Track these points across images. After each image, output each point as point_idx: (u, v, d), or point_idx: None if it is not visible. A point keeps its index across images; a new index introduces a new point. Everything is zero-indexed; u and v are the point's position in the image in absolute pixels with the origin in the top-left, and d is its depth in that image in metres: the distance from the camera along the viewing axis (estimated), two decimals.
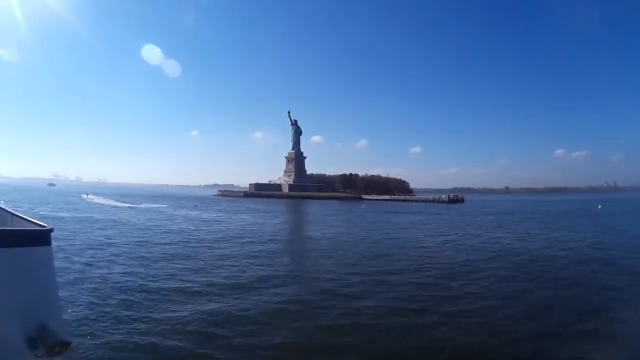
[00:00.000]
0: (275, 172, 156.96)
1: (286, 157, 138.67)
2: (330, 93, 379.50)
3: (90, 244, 18.45)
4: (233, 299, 10.07)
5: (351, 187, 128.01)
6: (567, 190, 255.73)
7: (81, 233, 22.30)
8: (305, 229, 32.56)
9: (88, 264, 13.66)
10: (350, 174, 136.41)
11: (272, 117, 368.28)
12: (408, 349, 7.30)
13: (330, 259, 16.48)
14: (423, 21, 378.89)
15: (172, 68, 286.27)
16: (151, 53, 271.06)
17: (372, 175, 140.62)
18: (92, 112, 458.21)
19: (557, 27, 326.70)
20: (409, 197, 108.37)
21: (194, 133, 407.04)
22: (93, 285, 10.76)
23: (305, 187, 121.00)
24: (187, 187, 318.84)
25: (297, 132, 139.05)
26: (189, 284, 11.34)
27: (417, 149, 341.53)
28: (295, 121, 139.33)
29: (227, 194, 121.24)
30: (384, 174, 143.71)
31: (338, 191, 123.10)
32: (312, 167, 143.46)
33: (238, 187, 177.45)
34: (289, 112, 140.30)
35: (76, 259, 14.49)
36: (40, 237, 2.64)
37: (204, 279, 12.04)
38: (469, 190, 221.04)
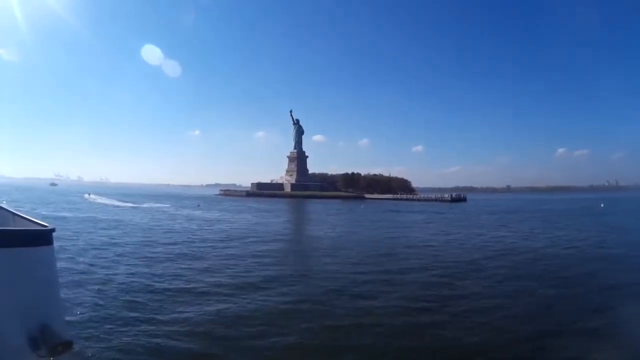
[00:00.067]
0: (277, 171, 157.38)
1: (288, 157, 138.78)
2: (331, 92, 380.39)
3: (93, 244, 18.40)
4: (240, 299, 10.00)
5: (353, 186, 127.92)
6: (569, 189, 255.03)
7: (84, 233, 22.25)
8: (308, 228, 32.47)
9: (92, 264, 13.60)
10: (353, 173, 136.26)
11: (273, 117, 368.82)
12: (413, 349, 7.27)
13: (334, 258, 16.42)
14: (423, 21, 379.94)
15: (172, 68, 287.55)
16: (151, 53, 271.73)
17: (374, 174, 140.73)
18: (93, 112, 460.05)
19: (557, 27, 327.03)
20: (411, 196, 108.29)
21: (196, 132, 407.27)
22: (98, 286, 10.68)
23: (308, 186, 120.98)
24: (189, 186, 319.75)
25: (299, 132, 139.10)
26: (194, 284, 11.27)
27: (419, 148, 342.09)
28: (297, 120, 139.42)
29: (229, 193, 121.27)
30: (385, 173, 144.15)
31: (340, 190, 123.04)
32: (313, 167, 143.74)
33: (240, 186, 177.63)
34: (291, 112, 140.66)
35: (80, 259, 14.44)
36: (42, 237, 2.62)
37: (210, 279, 11.97)
38: (471, 189, 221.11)
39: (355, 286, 11.62)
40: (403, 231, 28.60)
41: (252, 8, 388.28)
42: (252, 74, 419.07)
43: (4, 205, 4.55)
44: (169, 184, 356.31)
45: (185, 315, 8.59)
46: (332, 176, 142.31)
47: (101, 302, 9.26)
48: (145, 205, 56.78)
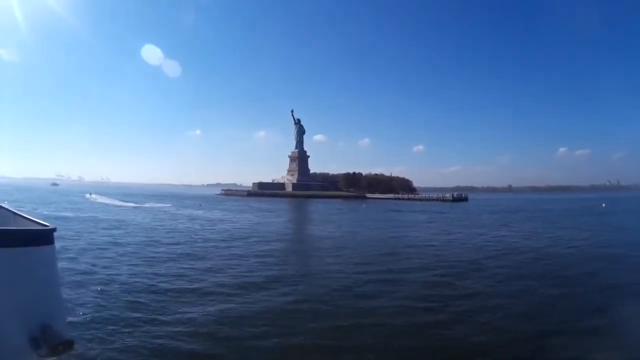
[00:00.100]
0: (278, 171, 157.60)
1: (289, 156, 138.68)
2: (331, 92, 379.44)
3: (95, 243, 18.36)
4: (243, 299, 9.96)
5: (354, 186, 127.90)
6: (570, 188, 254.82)
7: (86, 233, 22.21)
8: (310, 228, 32.39)
9: (94, 264, 13.53)
10: (354, 173, 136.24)
11: (274, 117, 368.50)
12: (415, 349, 7.26)
13: (337, 258, 16.41)
14: (423, 21, 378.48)
15: (172, 68, 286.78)
16: (151, 53, 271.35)
17: (375, 174, 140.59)
18: (93, 112, 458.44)
19: (557, 27, 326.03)
20: (412, 196, 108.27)
21: (197, 132, 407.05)
22: (100, 287, 10.62)
23: (309, 186, 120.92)
24: (190, 186, 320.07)
25: (301, 131, 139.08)
26: (198, 284, 11.21)
27: (420, 147, 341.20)
28: (299, 120, 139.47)
29: (231, 193, 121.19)
30: (386, 173, 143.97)
31: (341, 190, 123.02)
32: (314, 166, 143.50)
33: (241, 186, 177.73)
34: (292, 111, 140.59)
35: (82, 259, 14.40)
36: (43, 237, 2.61)
37: (213, 279, 11.91)
38: (472, 189, 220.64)
39: (358, 286, 11.62)
40: (405, 231, 28.58)
41: (252, 8, 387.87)
42: (253, 74, 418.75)
43: (4, 205, 4.49)
44: (170, 184, 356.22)
45: (188, 315, 8.53)
46: (334, 176, 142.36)
47: (104, 303, 9.19)
48: (146, 205, 56.76)
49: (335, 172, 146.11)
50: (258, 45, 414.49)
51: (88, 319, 8.05)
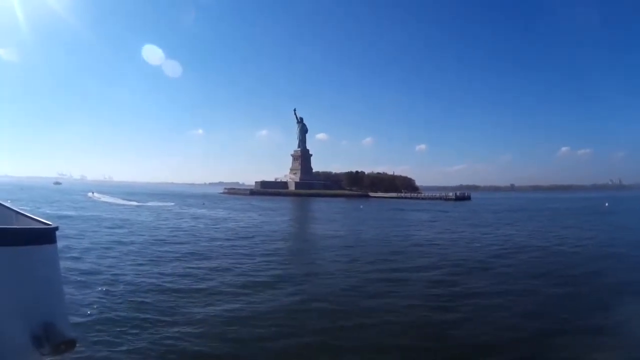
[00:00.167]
0: (280, 170, 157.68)
1: (292, 155, 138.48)
2: (333, 91, 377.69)
3: (99, 242, 18.30)
4: (250, 298, 9.90)
5: (357, 184, 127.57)
6: (572, 187, 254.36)
7: (90, 232, 22.16)
8: (314, 227, 32.22)
9: (98, 264, 13.44)
10: (357, 172, 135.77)
11: (276, 115, 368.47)
12: (420, 347, 7.28)
13: (342, 257, 16.40)
14: (424, 20, 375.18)
15: (173, 68, 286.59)
16: (151, 53, 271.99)
17: (378, 173, 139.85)
18: (94, 112, 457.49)
19: (557, 27, 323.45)
20: (415, 194, 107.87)
21: (200, 131, 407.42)
22: (105, 287, 10.49)
23: (312, 184, 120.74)
24: (192, 185, 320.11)
25: (303, 130, 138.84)
26: (204, 284, 11.12)
27: (423, 146, 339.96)
28: (301, 119, 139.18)
29: (233, 192, 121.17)
30: (389, 172, 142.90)
31: (344, 189, 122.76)
32: (316, 165, 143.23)
33: (243, 185, 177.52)
34: (294, 110, 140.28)
35: (86, 258, 14.32)
36: (45, 236, 2.59)
37: (220, 279, 11.83)
38: (475, 188, 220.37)
39: (363, 285, 11.61)
40: (409, 229, 28.58)
41: (252, 7, 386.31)
42: (254, 73, 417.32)
43: (7, 204, 4.41)
44: (172, 183, 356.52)
45: (196, 316, 8.43)
46: (336, 174, 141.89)
47: (109, 304, 9.08)
48: (149, 203, 56.81)
49: (337, 171, 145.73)
50: (259, 44, 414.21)
51: (94, 320, 7.94)
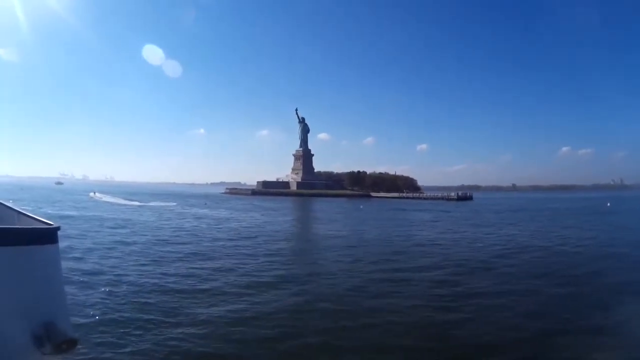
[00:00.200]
0: (281, 169, 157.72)
1: (294, 155, 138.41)
2: (333, 91, 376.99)
3: (102, 242, 18.31)
4: (254, 299, 9.90)
5: (359, 184, 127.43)
6: (573, 187, 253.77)
7: (92, 232, 22.19)
8: (316, 227, 32.26)
9: (101, 264, 13.44)
10: (358, 172, 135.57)
11: (277, 115, 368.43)
12: (422, 348, 7.28)
13: (344, 257, 16.40)
14: (424, 20, 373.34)
15: (173, 68, 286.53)
16: (152, 53, 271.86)
17: (380, 173, 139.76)
18: (94, 112, 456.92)
19: (557, 27, 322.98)
20: (417, 194, 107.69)
21: (201, 131, 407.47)
22: (108, 287, 10.50)
23: (314, 184, 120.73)
24: (194, 185, 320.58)
25: (305, 130, 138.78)
26: (208, 285, 11.12)
27: (424, 146, 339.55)
28: (303, 119, 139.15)
29: (235, 192, 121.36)
30: (390, 172, 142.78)
31: (346, 189, 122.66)
32: (318, 165, 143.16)
33: (245, 185, 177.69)
34: (296, 110, 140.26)
35: (89, 259, 14.29)
36: (46, 236, 2.63)
37: (223, 279, 11.83)
38: (476, 188, 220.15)
39: (366, 285, 11.62)
40: (411, 229, 28.59)
41: (252, 7, 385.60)
42: (255, 73, 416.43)
43: (8, 204, 4.49)
44: (173, 182, 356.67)
45: (200, 316, 8.42)
46: (338, 174, 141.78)
47: (112, 304, 9.07)
48: (151, 203, 56.87)
49: (339, 171, 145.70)
50: (259, 44, 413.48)
51: (97, 321, 7.93)
